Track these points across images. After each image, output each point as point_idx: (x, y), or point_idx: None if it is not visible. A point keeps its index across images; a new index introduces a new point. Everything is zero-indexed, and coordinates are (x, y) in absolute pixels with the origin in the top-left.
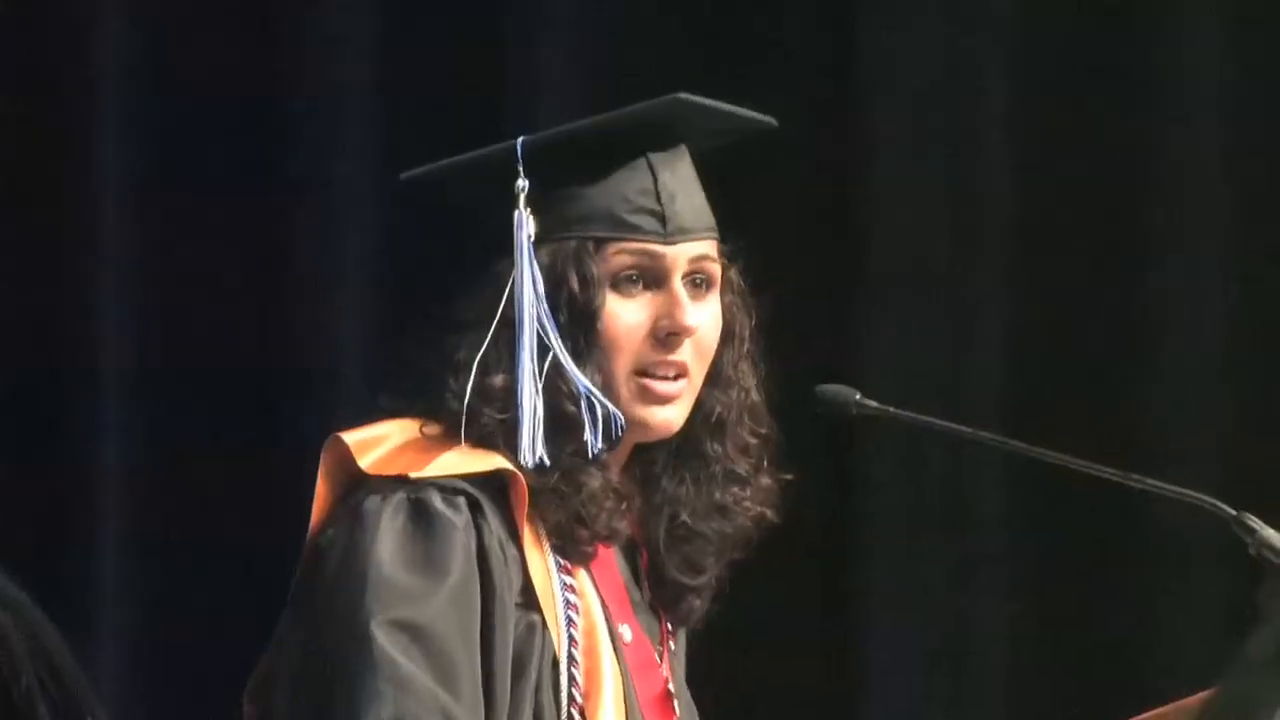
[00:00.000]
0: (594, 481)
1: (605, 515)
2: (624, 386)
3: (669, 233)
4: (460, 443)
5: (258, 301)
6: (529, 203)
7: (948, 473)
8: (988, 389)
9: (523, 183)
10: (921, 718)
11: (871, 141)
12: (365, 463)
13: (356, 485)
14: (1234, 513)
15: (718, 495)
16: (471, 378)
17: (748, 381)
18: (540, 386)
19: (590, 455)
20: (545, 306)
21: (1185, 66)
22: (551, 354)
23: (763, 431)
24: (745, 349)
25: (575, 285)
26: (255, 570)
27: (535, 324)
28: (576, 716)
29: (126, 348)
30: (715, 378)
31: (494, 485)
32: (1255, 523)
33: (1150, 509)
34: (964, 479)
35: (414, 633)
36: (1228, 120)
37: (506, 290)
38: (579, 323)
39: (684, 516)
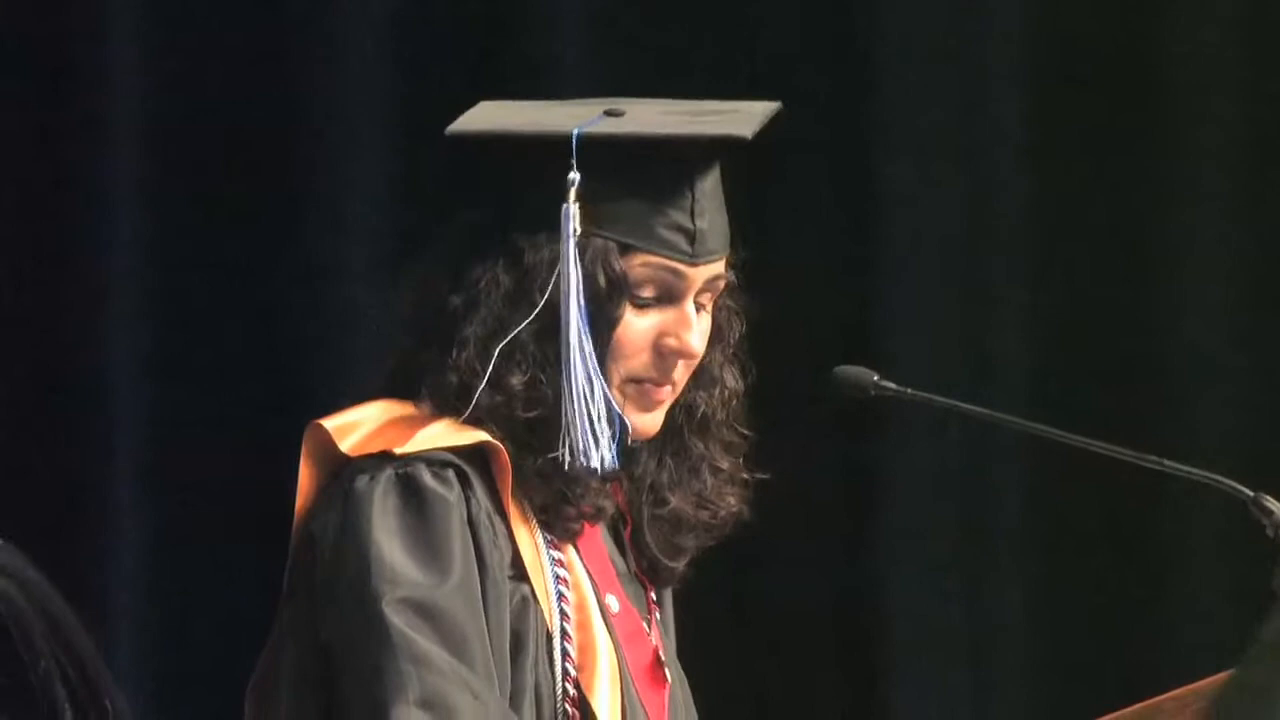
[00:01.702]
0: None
1: (591, 495)
2: (618, 392)
3: (695, 254)
4: (440, 418)
5: (269, 285)
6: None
7: (967, 455)
8: (1008, 373)
9: (575, 176)
10: (941, 700)
11: (888, 122)
12: (346, 445)
13: (340, 469)
14: (1251, 494)
15: (698, 485)
16: (491, 364)
17: (732, 383)
18: (578, 391)
19: (606, 466)
20: (584, 309)
21: (1204, 44)
22: (588, 359)
23: (742, 432)
24: (731, 352)
25: (602, 287)
26: (272, 556)
27: (577, 326)
28: (571, 690)
29: (140, 335)
30: (700, 377)
31: (477, 458)
32: (1273, 504)
33: (1171, 492)
34: (983, 461)
35: (424, 610)
36: (1250, 98)
37: (540, 281)
38: (595, 326)
39: (668, 499)
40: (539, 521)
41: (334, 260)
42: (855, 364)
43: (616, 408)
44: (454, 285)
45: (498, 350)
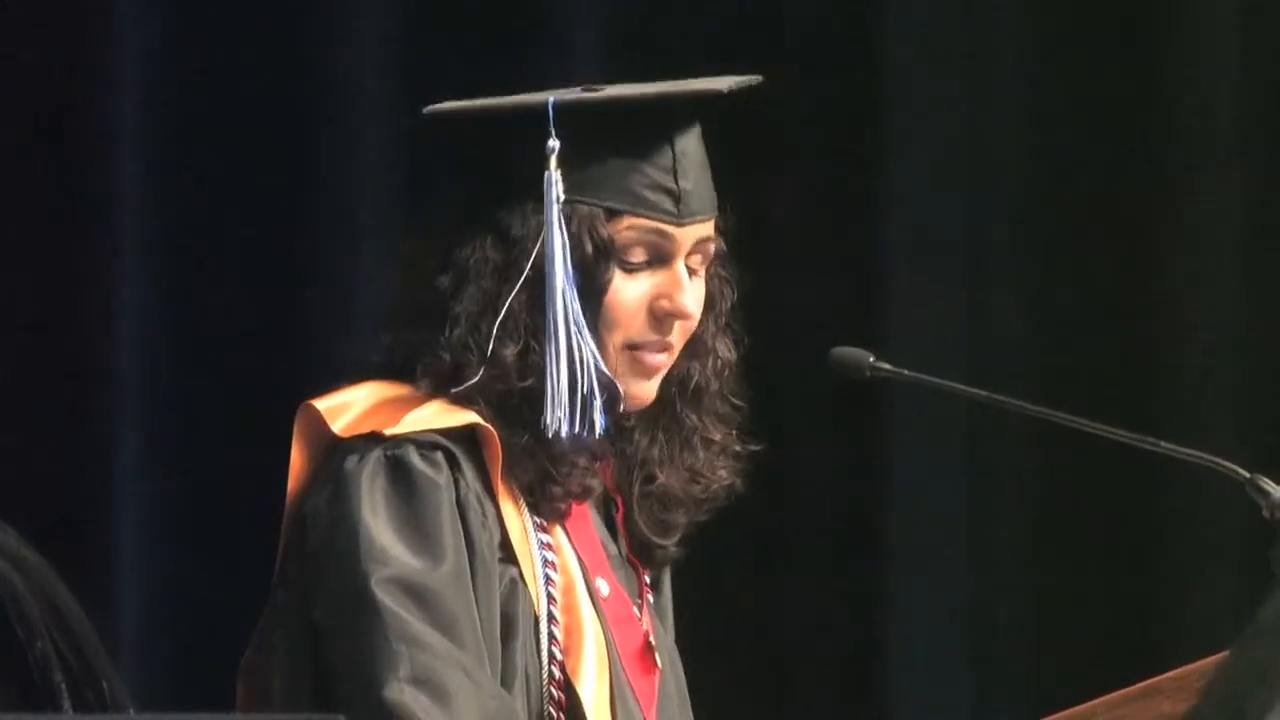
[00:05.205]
0: (565, 442)
1: (578, 474)
2: (614, 359)
3: (681, 214)
4: (431, 399)
5: (277, 271)
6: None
7: (965, 437)
8: (1007, 354)
9: (554, 143)
10: (943, 685)
11: (887, 101)
12: (338, 426)
13: (331, 450)
14: (1248, 475)
15: (690, 459)
16: (490, 340)
17: (725, 353)
18: (566, 357)
19: (598, 431)
20: (571, 275)
21: (1204, 23)
22: (573, 324)
23: (736, 403)
24: (724, 322)
25: (590, 253)
26: (270, 537)
27: (563, 291)
28: (557, 674)
29: (146, 320)
30: (693, 347)
31: (467, 440)
32: (1269, 485)
33: (1171, 474)
34: (981, 443)
35: (412, 589)
36: (1251, 79)
37: (527, 251)
38: (585, 293)
39: (657, 475)
40: (527, 503)
41: (339, 251)
42: (856, 339)
43: (609, 374)
44: (442, 265)
45: (496, 325)
